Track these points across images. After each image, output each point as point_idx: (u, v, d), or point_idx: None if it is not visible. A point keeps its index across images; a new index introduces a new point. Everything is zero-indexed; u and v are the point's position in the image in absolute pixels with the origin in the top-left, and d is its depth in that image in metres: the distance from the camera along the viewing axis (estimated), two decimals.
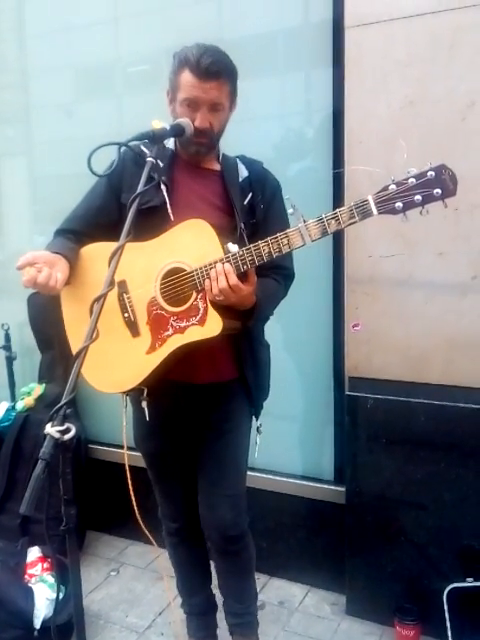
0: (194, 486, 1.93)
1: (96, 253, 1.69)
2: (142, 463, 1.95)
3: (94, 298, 1.23)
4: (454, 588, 2.05)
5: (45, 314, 2.93)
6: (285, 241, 1.50)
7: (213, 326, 1.57)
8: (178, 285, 1.60)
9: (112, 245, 1.60)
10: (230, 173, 1.75)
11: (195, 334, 1.59)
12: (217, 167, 1.77)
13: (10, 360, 3.02)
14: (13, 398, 3.02)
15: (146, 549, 2.86)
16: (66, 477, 1.17)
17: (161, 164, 1.70)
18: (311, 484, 2.51)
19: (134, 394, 1.81)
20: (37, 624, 2.13)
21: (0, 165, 3.26)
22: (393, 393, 2.16)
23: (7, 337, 3.01)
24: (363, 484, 2.25)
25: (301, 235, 1.48)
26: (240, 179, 1.75)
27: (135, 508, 1.83)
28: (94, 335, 1.20)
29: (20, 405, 2.90)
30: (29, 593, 2.21)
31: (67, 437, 1.12)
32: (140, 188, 1.41)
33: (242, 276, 1.53)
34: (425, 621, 2.14)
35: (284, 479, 2.54)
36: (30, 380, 3.04)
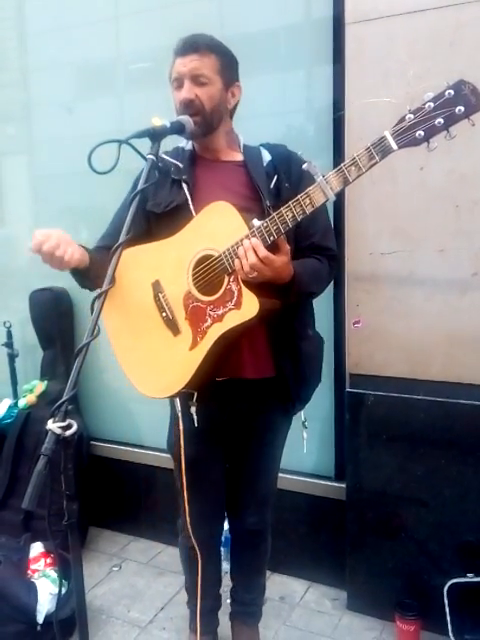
0: (223, 496, 1.94)
1: (129, 259, 1.61)
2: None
3: (94, 296, 1.23)
4: (454, 583, 2.06)
5: (47, 311, 2.94)
6: (307, 201, 1.42)
7: (250, 307, 1.50)
8: (209, 272, 1.56)
9: (144, 248, 1.62)
10: (253, 160, 1.73)
11: (234, 319, 1.52)
12: (239, 157, 1.76)
13: (12, 357, 3.02)
14: (15, 395, 3.03)
15: (148, 545, 2.88)
16: (68, 473, 1.18)
17: (181, 165, 1.71)
18: (312, 481, 2.52)
19: (183, 399, 1.76)
20: (40, 619, 2.14)
21: (1, 163, 3.26)
22: (394, 390, 2.16)
23: (9, 334, 3.01)
24: (364, 480, 2.26)
25: (322, 190, 1.40)
26: (264, 164, 1.73)
27: (186, 511, 1.80)
28: (95, 332, 1.20)
29: (22, 402, 2.91)
30: (32, 588, 2.22)
31: (69, 433, 1.12)
32: (141, 185, 1.41)
33: (272, 248, 1.47)
34: (425, 616, 2.14)
35: (285, 475, 2.53)
36: (32, 377, 3.05)
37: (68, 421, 1.13)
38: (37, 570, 2.38)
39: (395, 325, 2.16)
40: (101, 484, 2.93)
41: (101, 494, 2.94)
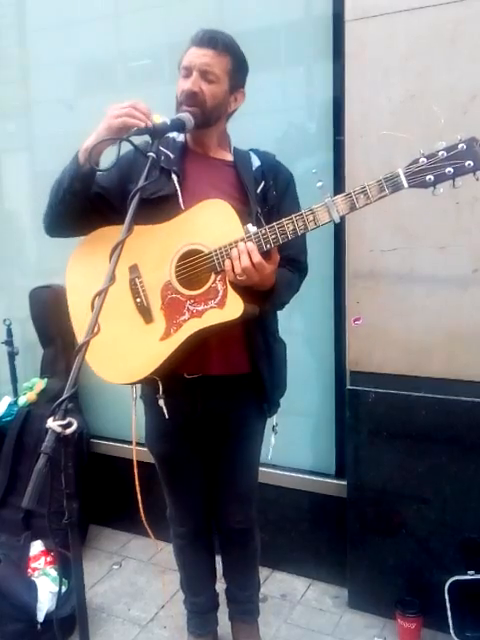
0: (205, 489, 1.94)
1: (109, 234, 1.63)
2: (147, 458, 1.95)
3: (95, 292, 1.22)
4: (455, 581, 2.06)
5: (47, 309, 2.94)
6: (311, 217, 1.45)
7: (234, 308, 1.52)
8: (195, 267, 1.56)
9: (118, 230, 1.58)
10: (242, 163, 1.74)
11: (214, 317, 1.53)
12: (229, 158, 1.76)
13: (12, 355, 3.02)
14: (15, 393, 3.03)
15: (148, 543, 2.86)
16: (68, 471, 1.18)
17: (172, 155, 1.70)
18: (313, 478, 2.52)
19: (149, 392, 1.78)
20: (40, 617, 2.14)
21: (1, 160, 3.26)
22: (394, 387, 2.16)
23: (9, 332, 3.02)
24: (364, 478, 2.25)
25: (328, 210, 1.44)
26: (253, 168, 1.74)
27: (140, 504, 1.82)
28: (95, 329, 1.19)
29: (22, 400, 2.91)
30: (32, 587, 2.22)
31: (69, 431, 1.12)
32: (141, 183, 1.40)
33: (265, 255, 1.49)
34: (426, 614, 2.14)
35: (286, 473, 2.55)
36: (32, 375, 3.05)
37: (68, 419, 1.12)
38: (37, 568, 2.38)
39: (395, 322, 2.16)
40: (101, 482, 2.93)
41: (101, 492, 2.94)
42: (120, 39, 2.78)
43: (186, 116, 1.60)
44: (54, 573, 2.32)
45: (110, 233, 1.65)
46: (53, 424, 1.11)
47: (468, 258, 2.02)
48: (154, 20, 2.61)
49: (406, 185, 1.40)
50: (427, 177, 1.38)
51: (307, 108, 2.43)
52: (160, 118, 1.53)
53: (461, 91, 1.95)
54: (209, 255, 1.54)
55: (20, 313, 3.07)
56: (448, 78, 1.96)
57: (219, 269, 1.53)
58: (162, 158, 1.70)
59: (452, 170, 1.37)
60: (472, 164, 1.36)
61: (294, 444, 2.60)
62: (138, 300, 1.62)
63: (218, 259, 1.52)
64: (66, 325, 3.06)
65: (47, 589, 2.22)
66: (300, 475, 2.54)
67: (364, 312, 2.20)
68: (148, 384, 1.74)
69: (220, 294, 1.53)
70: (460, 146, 1.36)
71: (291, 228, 1.46)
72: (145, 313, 1.62)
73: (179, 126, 1.59)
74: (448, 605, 2.05)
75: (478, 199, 1.98)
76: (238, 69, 1.69)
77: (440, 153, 1.38)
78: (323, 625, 2.31)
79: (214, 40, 1.62)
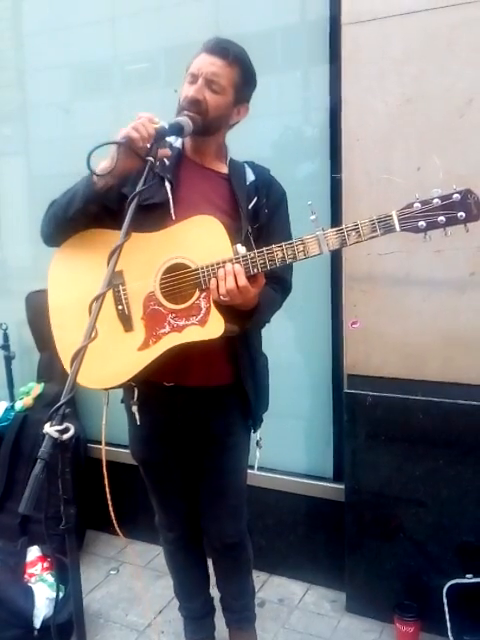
0: (191, 496, 1.92)
1: (96, 238, 1.64)
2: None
3: (94, 297, 1.21)
4: (454, 584, 2.06)
5: (44, 313, 2.92)
6: (301, 248, 1.46)
7: (214, 328, 1.52)
8: (180, 282, 1.56)
9: (115, 233, 1.56)
10: (237, 176, 1.72)
11: (194, 334, 1.54)
12: (224, 170, 1.74)
13: (9, 359, 3.01)
14: (12, 398, 3.02)
15: (146, 548, 2.86)
16: (65, 476, 1.17)
17: (167, 162, 1.68)
18: (310, 482, 2.52)
19: (126, 398, 1.78)
20: (37, 623, 2.13)
21: None
22: (392, 390, 2.16)
23: (5, 336, 3.01)
24: (362, 481, 2.25)
25: (319, 243, 1.45)
26: (247, 183, 1.73)
27: (109, 501, 1.82)
28: (93, 335, 1.19)
29: (19, 405, 2.90)
30: (29, 592, 2.21)
31: (66, 437, 1.11)
32: (139, 187, 1.39)
33: (251, 278, 1.50)
34: (425, 617, 2.14)
35: (283, 477, 2.54)
36: (29, 379, 3.04)
37: (65, 424, 1.12)
38: (34, 574, 2.36)
39: (393, 325, 2.16)
40: (99, 487, 2.91)
41: (99, 497, 2.92)
42: (116, 43, 2.78)
43: (185, 120, 1.58)
44: (51, 579, 2.31)
45: (92, 236, 1.65)
46: (50, 429, 1.10)
47: (465, 261, 2.03)
48: (150, 24, 2.62)
49: (398, 229, 1.40)
50: (419, 223, 1.39)
51: (304, 111, 2.43)
52: (159, 123, 1.52)
53: (457, 94, 1.96)
54: (196, 271, 1.53)
55: (17, 317, 3.05)
56: (444, 81, 1.96)
57: (204, 287, 1.53)
58: (157, 163, 1.69)
59: (444, 219, 1.37)
60: (464, 216, 1.36)
61: (291, 448, 2.59)
62: (120, 307, 1.61)
63: (204, 277, 1.52)
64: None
65: (44, 595, 2.21)
66: (297, 479, 2.54)
67: (361, 315, 2.20)
68: (126, 390, 1.74)
69: (203, 312, 1.54)
70: (454, 196, 1.37)
71: (280, 256, 1.47)
72: (125, 321, 1.61)
73: (177, 130, 1.57)
74: (446, 609, 2.05)
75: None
76: (245, 83, 1.67)
77: (434, 200, 1.38)
78: (321, 629, 2.30)
79: (225, 50, 1.61)
